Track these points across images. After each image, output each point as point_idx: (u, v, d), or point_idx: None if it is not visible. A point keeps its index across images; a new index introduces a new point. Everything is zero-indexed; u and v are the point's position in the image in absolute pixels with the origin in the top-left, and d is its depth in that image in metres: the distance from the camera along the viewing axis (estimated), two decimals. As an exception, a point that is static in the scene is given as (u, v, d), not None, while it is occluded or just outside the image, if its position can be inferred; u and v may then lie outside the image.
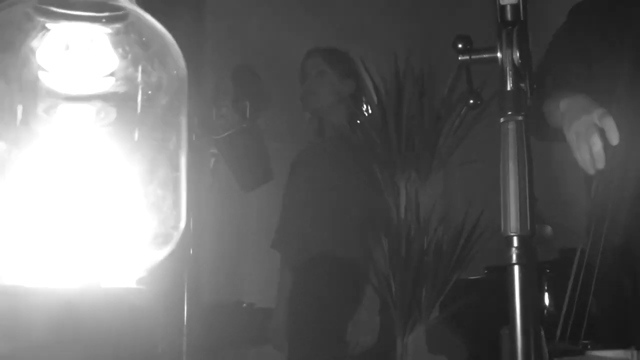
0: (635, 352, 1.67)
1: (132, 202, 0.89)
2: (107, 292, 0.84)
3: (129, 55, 0.89)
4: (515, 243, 1.14)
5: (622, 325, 1.90)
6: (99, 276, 0.84)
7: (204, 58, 3.21)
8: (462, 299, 2.78)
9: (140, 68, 0.90)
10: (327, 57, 3.05)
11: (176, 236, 0.90)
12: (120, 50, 0.90)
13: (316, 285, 2.90)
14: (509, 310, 1.16)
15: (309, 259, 2.94)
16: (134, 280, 0.90)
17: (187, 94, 0.93)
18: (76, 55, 0.90)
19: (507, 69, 1.19)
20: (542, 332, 1.78)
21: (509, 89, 1.19)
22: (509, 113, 1.19)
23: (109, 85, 0.91)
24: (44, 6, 0.88)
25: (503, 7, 1.17)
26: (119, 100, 0.90)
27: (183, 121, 0.93)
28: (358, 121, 3.00)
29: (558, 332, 1.84)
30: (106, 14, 0.89)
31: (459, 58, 1.24)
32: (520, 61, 1.18)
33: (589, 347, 1.77)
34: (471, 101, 1.32)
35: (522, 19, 1.18)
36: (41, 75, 0.89)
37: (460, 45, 1.24)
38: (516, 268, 1.15)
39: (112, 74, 0.91)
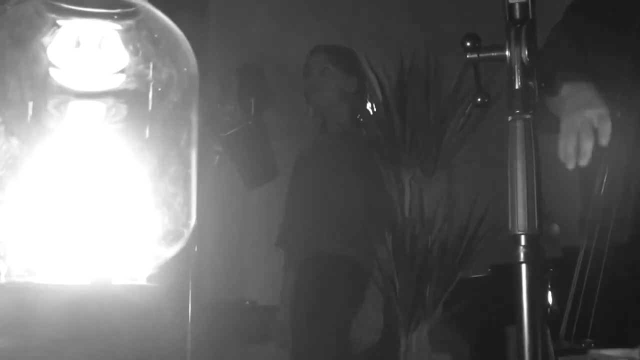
0: None
1: (143, 199, 0.89)
2: (118, 289, 0.84)
3: (140, 52, 0.89)
4: (523, 241, 1.14)
5: (628, 323, 1.90)
6: (110, 273, 0.84)
7: (209, 55, 3.21)
8: (466, 298, 2.77)
9: (151, 65, 0.89)
10: (332, 55, 3.05)
11: (186, 233, 0.90)
12: (131, 47, 0.90)
13: (320, 283, 2.90)
14: (516, 309, 1.15)
15: (312, 256, 2.93)
16: (144, 277, 0.89)
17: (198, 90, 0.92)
18: (87, 52, 0.90)
19: (516, 67, 1.19)
20: (548, 331, 1.78)
21: (517, 87, 1.18)
22: (517, 111, 1.18)
23: (119, 82, 0.90)
24: (55, 3, 0.88)
25: (511, 6, 1.17)
26: (129, 97, 0.90)
27: (194, 118, 0.93)
28: (361, 119, 3.00)
29: (563, 331, 1.84)
30: (117, 10, 0.89)
31: (467, 56, 1.23)
32: (528, 59, 1.18)
33: (592, 345, 1.77)
34: (479, 99, 1.32)
35: (530, 17, 1.18)
36: (52, 71, 0.89)
37: (468, 44, 1.23)
38: (523, 266, 1.14)
39: (122, 71, 0.91)
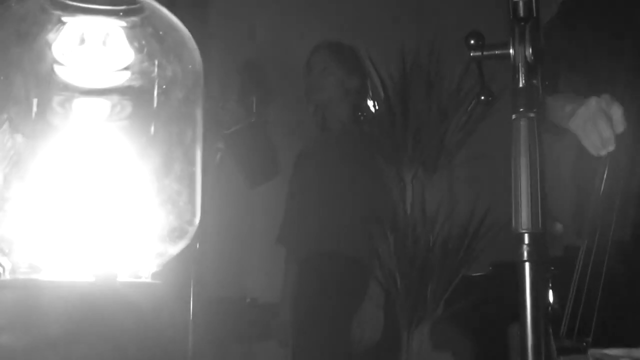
0: None
1: (148, 196, 0.89)
2: (123, 285, 0.84)
3: (145, 49, 0.89)
4: (527, 240, 1.13)
5: (630, 322, 1.89)
6: (115, 270, 0.84)
7: (210, 53, 3.20)
8: (467, 296, 2.77)
9: (155, 62, 0.89)
10: (334, 52, 3.04)
11: (191, 231, 0.90)
12: (135, 44, 0.90)
13: (321, 281, 2.90)
14: (519, 308, 1.15)
15: (314, 254, 2.93)
16: (149, 274, 0.89)
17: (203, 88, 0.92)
18: (92, 49, 0.90)
19: (520, 65, 1.18)
20: (550, 330, 1.78)
21: (521, 85, 1.18)
22: (521, 110, 1.18)
23: (124, 79, 0.90)
24: (60, -1, 0.88)
25: (515, 3, 1.17)
26: (134, 95, 0.90)
27: (199, 115, 0.93)
28: (362, 116, 3.00)
29: (564, 330, 1.84)
30: (122, 7, 0.88)
31: (471, 54, 1.23)
32: (532, 57, 1.17)
33: (588, 344, 1.77)
34: (482, 97, 1.32)
35: (534, 15, 1.17)
36: (57, 68, 0.89)
37: (472, 41, 1.23)
38: (527, 265, 1.14)
39: (127, 68, 0.90)
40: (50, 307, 0.80)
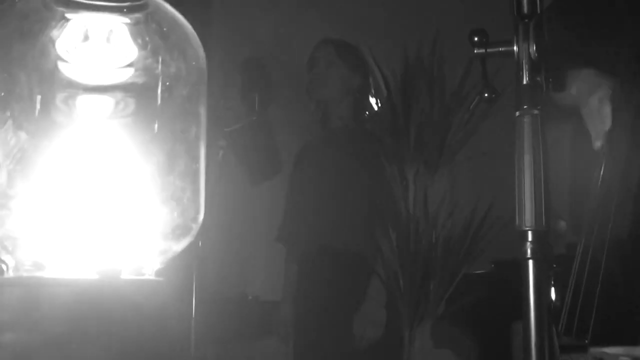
0: None
1: (151, 193, 0.88)
2: (126, 283, 0.83)
3: (149, 46, 0.89)
4: (530, 237, 1.13)
5: (630, 321, 1.89)
6: (119, 267, 0.84)
7: (212, 50, 3.19)
8: (469, 294, 2.77)
9: (159, 59, 0.89)
10: (339, 48, 3.04)
11: (195, 228, 0.90)
12: (139, 40, 0.89)
13: (322, 279, 2.90)
14: (523, 306, 1.14)
15: (315, 252, 2.93)
16: (152, 271, 0.89)
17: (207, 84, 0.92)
18: (95, 45, 0.90)
19: (524, 62, 1.18)
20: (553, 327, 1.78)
21: (525, 82, 1.18)
22: (525, 107, 1.17)
23: (127, 75, 0.90)
24: (64, -4, 0.88)
25: (519, 0, 1.16)
26: (138, 91, 0.90)
27: (202, 112, 0.93)
28: (366, 114, 2.99)
29: (562, 327, 1.84)
30: (126, 3, 0.88)
31: (475, 51, 1.23)
32: (536, 55, 1.17)
33: (587, 342, 1.76)
34: (486, 94, 1.32)
35: (538, 12, 1.17)
36: (60, 65, 0.89)
37: (475, 39, 1.23)
38: (530, 263, 1.14)
39: (131, 65, 0.90)
40: (54, 305, 0.80)
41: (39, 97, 0.88)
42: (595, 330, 1.78)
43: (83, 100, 0.90)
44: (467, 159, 2.92)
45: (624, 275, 1.87)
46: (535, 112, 1.16)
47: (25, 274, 0.85)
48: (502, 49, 1.20)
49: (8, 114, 0.87)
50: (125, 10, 0.88)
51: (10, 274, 0.87)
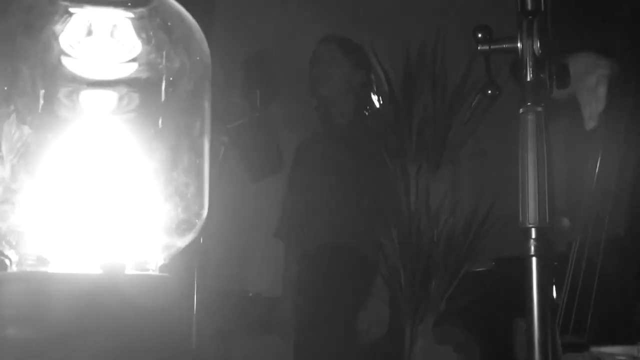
0: None
1: (156, 189, 0.88)
2: (131, 278, 0.83)
3: (153, 41, 0.89)
4: (534, 235, 1.13)
5: (626, 320, 1.89)
6: (123, 263, 0.83)
7: (214, 46, 3.19)
8: (470, 291, 2.77)
9: (163, 53, 0.89)
10: (341, 45, 3.04)
11: (199, 224, 0.90)
12: (143, 35, 0.89)
13: (323, 275, 2.90)
14: (526, 303, 1.14)
15: (315, 248, 2.93)
16: (156, 267, 0.89)
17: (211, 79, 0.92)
18: (99, 40, 0.89)
19: (527, 59, 1.18)
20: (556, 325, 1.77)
21: (529, 79, 1.18)
22: (529, 104, 1.17)
23: (131, 70, 0.90)
24: (68, -10, 0.88)
25: (524, -3, 1.16)
26: (142, 86, 0.89)
27: (207, 107, 0.92)
28: (367, 111, 2.99)
29: (558, 326, 1.83)
30: (130, -2, 0.88)
31: (479, 48, 1.22)
32: (540, 51, 1.17)
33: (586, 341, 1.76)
34: (489, 91, 1.31)
35: (542, 8, 1.17)
36: (64, 60, 0.89)
37: (479, 35, 1.22)
38: (534, 260, 1.13)
39: (134, 59, 0.90)
40: (57, 300, 0.80)
41: (42, 92, 0.88)
42: (591, 329, 1.77)
43: (86, 95, 0.89)
44: (469, 156, 2.92)
45: (620, 274, 1.87)
46: (539, 109, 1.16)
47: (28, 269, 0.85)
48: (506, 45, 1.19)
49: (12, 108, 0.87)
50: (129, 4, 0.88)
51: (14, 268, 0.87)
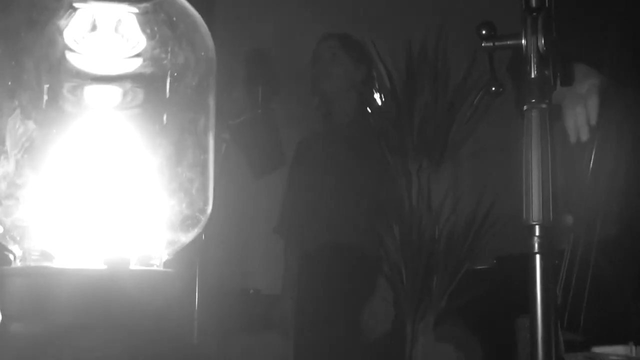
0: (634, 347, 1.65)
1: (160, 184, 0.88)
2: (135, 274, 0.83)
3: (157, 36, 0.88)
4: (537, 232, 1.13)
5: (620, 319, 1.89)
6: (127, 258, 0.83)
7: (215, 43, 3.18)
8: (472, 289, 2.77)
9: (168, 49, 0.88)
10: (343, 42, 3.03)
11: (203, 220, 0.89)
12: (148, 30, 0.89)
13: (323, 274, 2.90)
14: (529, 300, 1.14)
15: (316, 246, 2.93)
16: (161, 262, 0.89)
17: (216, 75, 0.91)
18: (103, 35, 0.89)
19: (532, 56, 1.17)
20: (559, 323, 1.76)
21: (533, 76, 1.17)
22: (533, 100, 1.17)
23: (135, 66, 0.89)
24: (72, -16, 0.87)
25: (528, -6, 1.16)
26: (146, 82, 0.89)
27: (211, 102, 0.92)
28: (369, 108, 2.99)
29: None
30: (135, -7, 0.87)
31: (483, 44, 1.22)
32: (545, 48, 1.16)
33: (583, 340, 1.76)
34: (493, 88, 1.31)
35: (547, 5, 1.16)
36: (68, 55, 0.88)
37: (483, 32, 1.22)
38: (538, 257, 1.13)
39: (139, 55, 0.90)
40: (62, 295, 0.80)
41: (46, 87, 0.88)
42: (584, 328, 1.77)
43: (91, 91, 0.89)
44: (470, 153, 2.92)
45: (614, 273, 1.86)
46: (543, 106, 1.15)
47: (32, 264, 0.85)
48: (510, 42, 1.19)
49: (16, 102, 0.87)
50: (133, -1, 0.88)
51: (18, 263, 0.87)
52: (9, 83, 0.88)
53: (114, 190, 0.87)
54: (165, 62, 0.89)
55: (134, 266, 0.84)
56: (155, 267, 0.87)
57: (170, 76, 0.89)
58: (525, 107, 1.18)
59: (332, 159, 2.96)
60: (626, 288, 1.89)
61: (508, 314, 2.10)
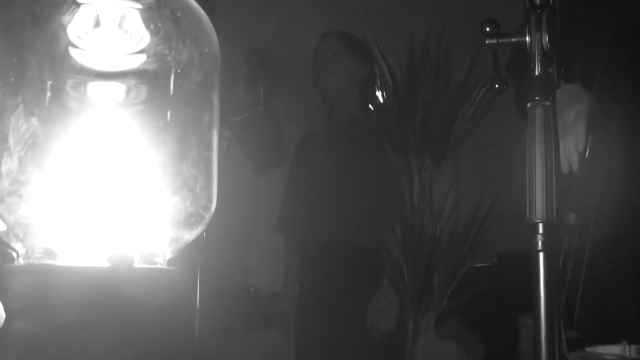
0: (627, 347, 1.65)
1: (164, 182, 0.87)
2: (139, 272, 0.83)
3: (161, 32, 0.88)
4: (541, 230, 1.12)
5: (614, 318, 1.88)
6: (131, 255, 0.83)
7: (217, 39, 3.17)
8: (473, 287, 2.77)
9: (171, 45, 0.88)
10: (343, 39, 3.02)
11: (207, 217, 0.89)
12: (151, 26, 0.88)
13: (324, 271, 2.89)
14: (533, 298, 1.13)
15: (317, 243, 2.93)
16: (164, 260, 0.88)
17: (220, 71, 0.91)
18: (107, 31, 0.89)
19: (536, 53, 1.17)
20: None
21: (537, 73, 1.17)
22: (537, 98, 1.16)
23: (139, 62, 0.89)
24: (75, -19, 0.87)
25: (532, -9, 1.15)
26: (150, 78, 0.89)
27: (215, 99, 0.91)
28: (371, 106, 2.98)
29: None
30: (138, -12, 0.87)
31: (486, 42, 1.21)
32: (549, 46, 1.16)
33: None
34: (497, 85, 1.30)
35: (551, 2, 1.16)
36: (71, 51, 0.88)
37: (487, 29, 1.21)
38: (541, 255, 1.13)
39: (142, 51, 0.89)
40: (65, 293, 0.79)
41: (49, 83, 0.87)
42: (578, 328, 1.76)
43: (94, 87, 0.89)
44: (472, 151, 2.92)
45: (609, 273, 1.86)
46: (547, 103, 1.15)
47: (36, 262, 0.84)
48: (514, 39, 1.18)
49: (19, 99, 0.86)
50: (137, -5, 0.87)
51: (21, 261, 0.86)
52: (12, 79, 0.87)
53: (118, 187, 0.87)
54: (169, 58, 0.88)
55: (138, 264, 0.84)
56: (159, 265, 0.87)
57: (174, 73, 0.89)
58: (528, 105, 1.17)
59: (334, 157, 2.96)
60: (624, 288, 1.89)
61: (509, 312, 2.10)
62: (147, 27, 0.89)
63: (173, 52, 0.89)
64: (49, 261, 0.83)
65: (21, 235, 0.86)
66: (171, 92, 0.89)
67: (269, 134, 3.12)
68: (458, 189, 2.95)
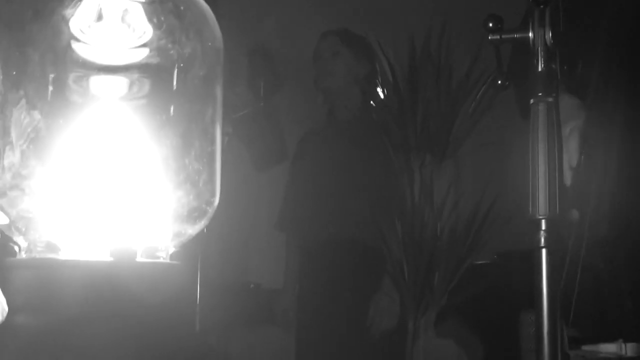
0: (623, 345, 1.65)
1: (167, 176, 0.87)
2: (141, 266, 0.82)
3: (164, 26, 0.87)
4: (544, 226, 1.12)
5: (611, 317, 1.88)
6: (134, 250, 0.82)
7: (217, 37, 3.17)
8: (473, 284, 2.76)
9: (174, 38, 0.87)
10: (344, 38, 3.02)
11: (210, 212, 0.89)
12: (154, 20, 0.88)
13: (325, 268, 2.89)
14: (535, 295, 1.13)
15: (318, 241, 2.92)
16: (167, 255, 0.88)
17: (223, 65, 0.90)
18: (109, 25, 0.88)
19: (539, 49, 1.16)
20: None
21: (540, 69, 1.16)
22: (540, 94, 1.16)
23: (142, 56, 0.89)
24: (78, -26, 0.86)
25: (536, -13, 1.15)
26: (152, 72, 0.88)
27: (219, 93, 0.91)
28: (372, 103, 2.97)
29: None
30: (141, -18, 0.87)
31: (489, 37, 1.21)
32: (552, 41, 1.15)
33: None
34: (500, 81, 1.30)
35: (553, -1, 1.16)
36: (74, 45, 0.88)
37: (490, 24, 1.21)
38: (544, 252, 1.12)
39: (145, 45, 0.89)
40: (67, 287, 0.79)
41: (52, 77, 0.87)
42: (574, 326, 1.76)
43: (97, 81, 0.88)
44: (473, 149, 2.91)
45: (602, 274, 1.86)
46: (550, 99, 1.14)
47: (38, 256, 0.84)
48: (517, 35, 1.18)
49: (22, 92, 0.86)
50: (140, -12, 0.87)
51: (23, 255, 0.86)
52: (14, 73, 0.87)
53: (121, 181, 0.86)
54: (172, 52, 0.88)
55: (140, 258, 0.83)
56: (161, 259, 0.87)
57: (177, 66, 0.88)
58: (531, 101, 1.17)
59: (335, 155, 2.95)
60: (623, 287, 1.89)
61: (509, 309, 2.10)
62: (150, 20, 0.89)
63: (176, 45, 0.88)
64: (51, 255, 0.83)
65: (23, 229, 0.86)
66: (174, 86, 0.89)
67: (269, 130, 3.12)
68: (458, 187, 2.95)
